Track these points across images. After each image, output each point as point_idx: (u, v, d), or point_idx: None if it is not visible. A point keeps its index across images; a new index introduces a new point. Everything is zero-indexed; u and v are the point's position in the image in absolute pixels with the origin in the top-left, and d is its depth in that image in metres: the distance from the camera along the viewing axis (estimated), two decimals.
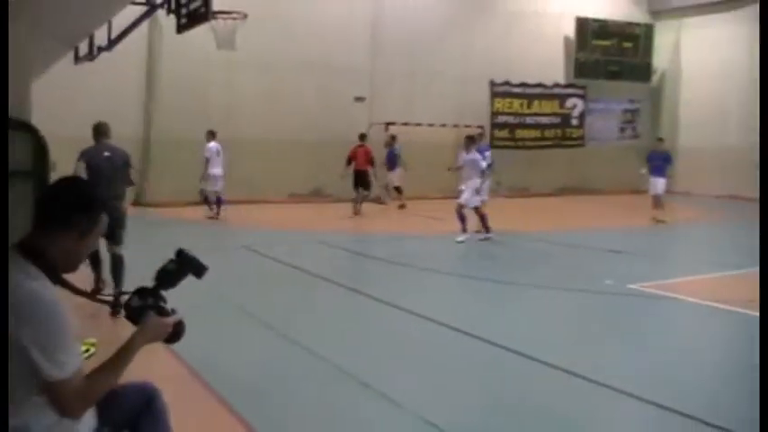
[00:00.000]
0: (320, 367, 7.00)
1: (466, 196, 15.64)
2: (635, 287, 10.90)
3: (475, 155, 16.13)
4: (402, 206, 22.37)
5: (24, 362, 2.67)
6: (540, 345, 7.83)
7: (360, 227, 19.17)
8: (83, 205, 3.00)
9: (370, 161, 21.37)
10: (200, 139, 19.29)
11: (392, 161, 22.95)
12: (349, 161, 21.11)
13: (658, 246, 16.86)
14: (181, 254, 3.19)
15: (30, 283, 2.76)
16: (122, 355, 2.97)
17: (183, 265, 3.17)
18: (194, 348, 6.37)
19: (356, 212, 20.62)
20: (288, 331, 8.19)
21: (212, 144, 18.82)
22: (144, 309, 3.11)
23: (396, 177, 22.95)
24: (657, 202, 19.72)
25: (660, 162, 19.99)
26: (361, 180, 21.12)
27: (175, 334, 3.18)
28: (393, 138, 23.03)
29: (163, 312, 3.15)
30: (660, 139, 22.15)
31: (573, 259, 14.40)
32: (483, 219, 15.81)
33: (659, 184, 19.82)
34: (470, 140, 16.51)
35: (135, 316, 3.12)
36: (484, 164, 16.26)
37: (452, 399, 6.32)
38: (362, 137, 21.83)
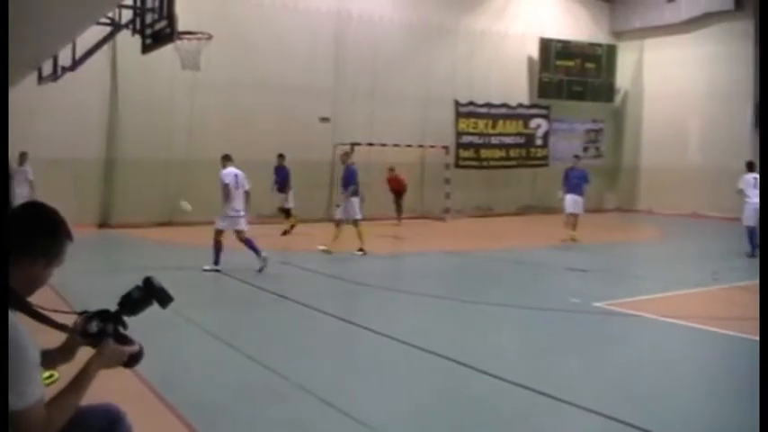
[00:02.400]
0: (282, 385, 6.97)
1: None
2: (600, 305, 10.98)
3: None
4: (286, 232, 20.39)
5: None
6: (507, 363, 7.88)
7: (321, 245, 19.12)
8: (49, 231, 2.97)
9: (402, 187, 24.42)
10: (163, 160, 19.23)
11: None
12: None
13: (622, 264, 17.00)
14: (147, 282, 3.16)
15: None
16: (80, 381, 2.93)
17: (149, 294, 3.14)
18: (154, 366, 6.33)
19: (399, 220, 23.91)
20: (249, 350, 8.16)
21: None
22: (103, 333, 3.08)
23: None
24: (573, 220, 19.56)
25: (577, 180, 19.82)
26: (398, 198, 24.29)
27: (132, 359, 3.16)
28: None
29: (122, 339, 3.12)
30: (577, 157, 21.81)
31: (538, 278, 14.49)
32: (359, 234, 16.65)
33: (578, 202, 19.69)
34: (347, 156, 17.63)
35: (93, 340, 3.10)
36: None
37: (417, 418, 6.32)
38: (391, 169, 24.21)
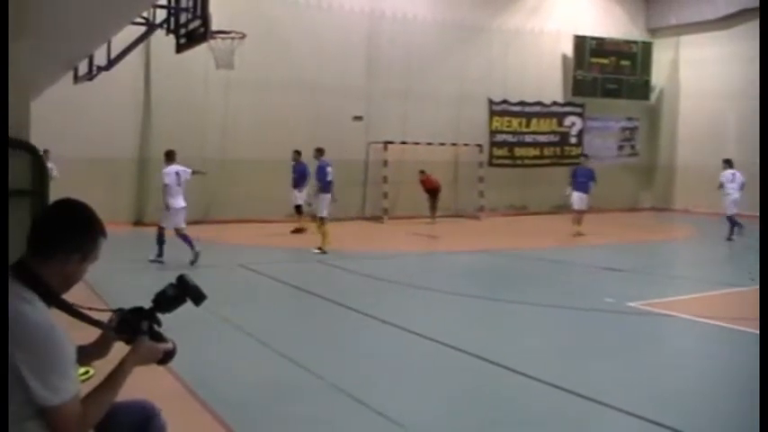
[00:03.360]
0: (316, 384, 6.98)
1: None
2: (635, 305, 10.90)
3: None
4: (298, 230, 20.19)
5: (19, 386, 2.64)
6: (540, 363, 7.83)
7: (355, 244, 19.14)
8: (83, 227, 2.98)
9: (436, 188, 24.33)
10: (198, 158, 19.30)
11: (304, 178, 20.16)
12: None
13: (658, 264, 16.86)
14: (182, 279, 3.17)
15: (23, 306, 2.71)
16: (115, 377, 2.95)
17: (183, 292, 3.15)
18: (189, 365, 6.37)
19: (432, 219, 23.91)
20: (283, 348, 8.19)
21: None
22: (137, 330, 3.10)
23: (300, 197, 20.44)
24: (579, 216, 20.53)
25: (585, 179, 20.86)
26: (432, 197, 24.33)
27: (167, 356, 3.17)
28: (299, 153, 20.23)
29: (156, 336, 3.14)
30: (585, 156, 23.47)
31: (573, 277, 14.41)
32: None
33: (583, 199, 20.72)
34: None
35: (128, 336, 3.12)
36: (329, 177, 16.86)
37: (449, 417, 6.31)
38: (421, 173, 24.25)
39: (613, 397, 6.60)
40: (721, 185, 20.35)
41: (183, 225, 14.53)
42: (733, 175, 20.35)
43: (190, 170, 15.09)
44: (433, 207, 24.32)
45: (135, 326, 3.11)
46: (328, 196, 16.82)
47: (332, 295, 11.46)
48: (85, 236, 2.97)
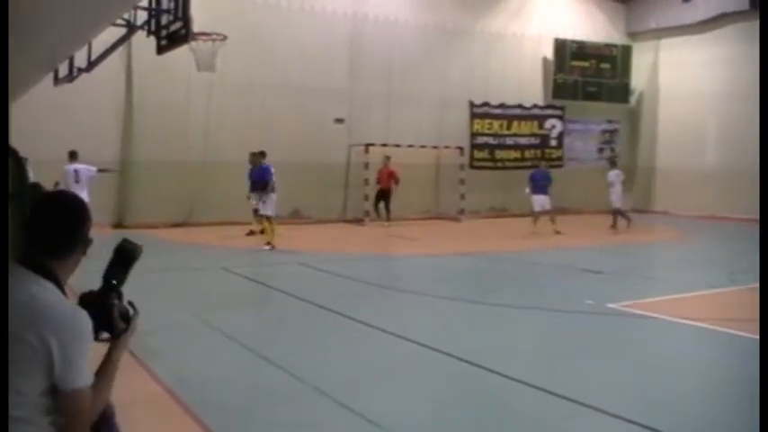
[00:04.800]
0: (298, 387, 6.97)
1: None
2: (615, 306, 10.95)
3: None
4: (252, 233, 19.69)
5: (45, 371, 2.68)
6: (522, 365, 7.87)
7: (336, 246, 19.14)
8: (85, 217, 3.02)
9: (395, 180, 23.91)
10: (178, 161, 19.26)
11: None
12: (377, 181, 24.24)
13: (638, 265, 16.96)
14: (117, 247, 3.11)
15: (50, 296, 2.77)
16: (109, 370, 2.95)
17: (120, 254, 3.09)
18: (172, 368, 6.36)
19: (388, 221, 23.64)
20: (265, 351, 8.18)
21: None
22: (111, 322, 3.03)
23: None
24: (536, 217, 21.64)
25: (543, 182, 22.15)
26: (384, 197, 23.99)
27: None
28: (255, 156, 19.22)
29: (126, 316, 3.08)
30: (542, 160, 25.69)
31: (553, 279, 14.44)
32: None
33: (544, 201, 21.84)
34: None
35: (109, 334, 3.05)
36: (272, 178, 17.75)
37: (433, 420, 6.33)
38: (387, 159, 24.12)
39: (596, 398, 6.63)
40: (612, 184, 22.78)
41: None
42: (617, 174, 23.06)
43: (95, 168, 15.92)
44: (387, 209, 24.06)
45: (106, 318, 3.03)
46: (275, 195, 17.63)
47: (314, 298, 11.43)
48: (87, 230, 3.01)
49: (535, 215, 21.62)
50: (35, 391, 2.68)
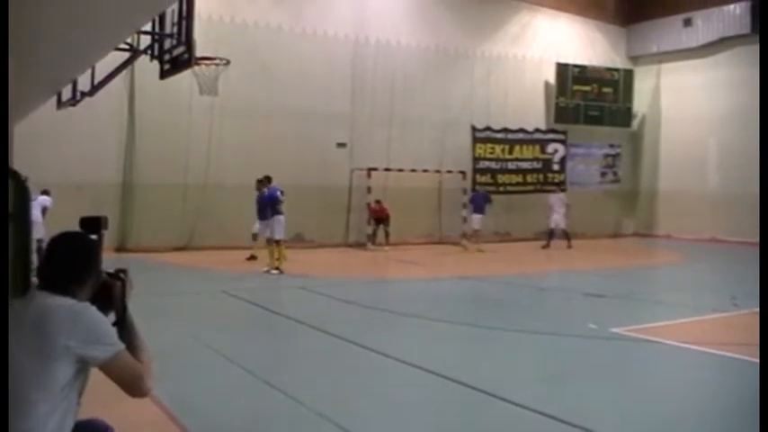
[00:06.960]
0: (300, 412, 6.91)
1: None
2: (618, 331, 10.89)
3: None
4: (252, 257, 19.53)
5: (66, 362, 3.01)
6: (525, 390, 7.80)
7: (338, 270, 19.11)
8: (97, 252, 3.37)
9: (386, 216, 24.22)
10: (180, 184, 19.19)
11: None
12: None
13: (641, 289, 16.88)
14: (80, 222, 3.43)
15: (65, 301, 3.13)
16: (131, 326, 3.35)
17: (88, 228, 3.41)
18: (173, 392, 6.32)
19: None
20: (266, 374, 8.13)
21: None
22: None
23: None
24: (475, 234, 24.42)
25: (481, 202, 24.71)
26: (383, 222, 24.28)
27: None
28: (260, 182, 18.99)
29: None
30: (480, 184, 27.02)
31: (556, 303, 14.40)
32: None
33: (480, 220, 24.43)
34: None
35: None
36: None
37: None
38: (377, 202, 24.28)
39: (600, 424, 6.58)
40: (551, 206, 25.46)
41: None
42: (560, 198, 25.70)
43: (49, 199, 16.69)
44: (386, 233, 24.23)
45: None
46: (283, 218, 17.65)
47: (316, 322, 11.39)
48: (98, 259, 3.39)
49: (475, 232, 24.50)
50: (59, 382, 3.00)
